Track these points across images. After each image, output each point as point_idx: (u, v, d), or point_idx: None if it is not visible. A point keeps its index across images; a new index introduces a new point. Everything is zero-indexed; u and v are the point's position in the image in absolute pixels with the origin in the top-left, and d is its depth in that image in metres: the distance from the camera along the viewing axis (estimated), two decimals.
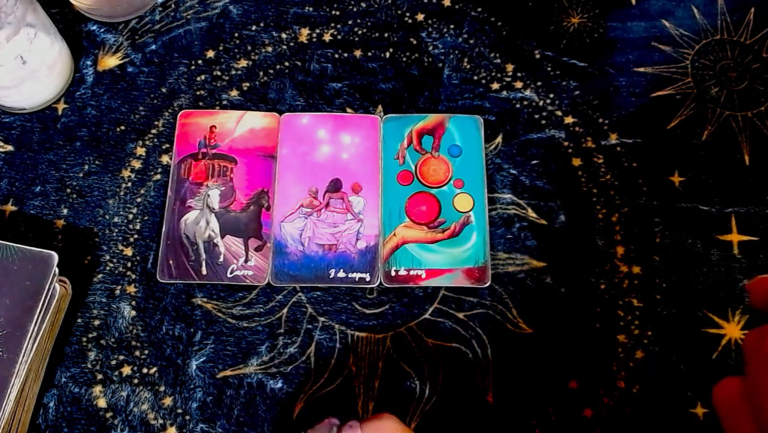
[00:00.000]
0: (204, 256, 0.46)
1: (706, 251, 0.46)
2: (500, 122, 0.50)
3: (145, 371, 0.44)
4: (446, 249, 0.46)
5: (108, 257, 0.46)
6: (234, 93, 0.51)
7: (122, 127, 0.50)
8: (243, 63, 0.51)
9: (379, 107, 0.50)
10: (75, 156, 0.49)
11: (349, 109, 0.50)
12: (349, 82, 0.51)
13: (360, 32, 0.52)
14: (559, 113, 0.50)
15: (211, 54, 0.52)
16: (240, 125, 0.49)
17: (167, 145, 0.49)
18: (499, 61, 0.52)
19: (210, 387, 0.43)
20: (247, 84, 0.51)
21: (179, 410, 0.43)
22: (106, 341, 0.44)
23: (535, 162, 0.49)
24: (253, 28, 0.53)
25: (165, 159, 0.49)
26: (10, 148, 0.49)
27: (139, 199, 0.48)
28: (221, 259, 0.46)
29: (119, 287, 0.46)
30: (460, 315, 0.45)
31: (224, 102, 0.50)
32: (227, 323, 0.45)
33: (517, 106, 0.50)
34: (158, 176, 0.48)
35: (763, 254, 0.46)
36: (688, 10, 0.53)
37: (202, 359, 0.44)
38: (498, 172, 0.48)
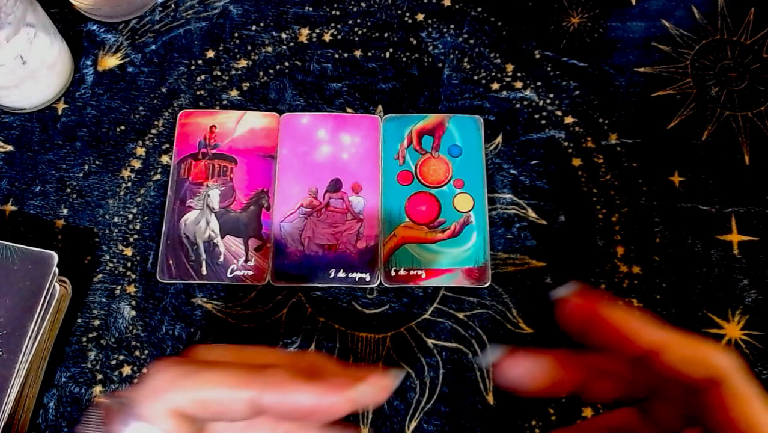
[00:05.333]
0: (204, 256, 0.46)
1: (706, 251, 0.46)
2: (500, 122, 0.50)
3: (145, 371, 0.44)
4: (446, 249, 0.46)
5: (108, 257, 0.46)
6: (234, 93, 0.51)
7: (122, 127, 0.50)
8: (243, 63, 0.51)
9: (379, 107, 0.50)
10: (75, 156, 0.49)
11: (349, 109, 0.50)
12: (349, 82, 0.51)
13: (360, 32, 0.52)
14: (559, 113, 0.50)
15: (211, 54, 0.52)
16: (240, 125, 0.49)
17: (167, 145, 0.49)
18: (499, 61, 0.52)
19: None
20: (247, 84, 0.51)
21: None
22: (106, 341, 0.44)
23: (535, 162, 0.49)
24: (253, 28, 0.53)
25: (165, 159, 0.49)
26: (10, 148, 0.49)
27: (139, 199, 0.48)
28: (221, 259, 0.46)
29: (119, 287, 0.46)
30: (460, 315, 0.45)
31: (224, 102, 0.50)
32: (227, 323, 0.45)
33: (517, 106, 0.50)
34: (158, 176, 0.48)
35: (763, 254, 0.46)
36: (688, 10, 0.53)
37: None
38: (498, 172, 0.48)
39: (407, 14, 0.53)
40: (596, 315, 0.24)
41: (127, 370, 0.44)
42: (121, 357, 0.44)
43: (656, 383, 0.24)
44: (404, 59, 0.52)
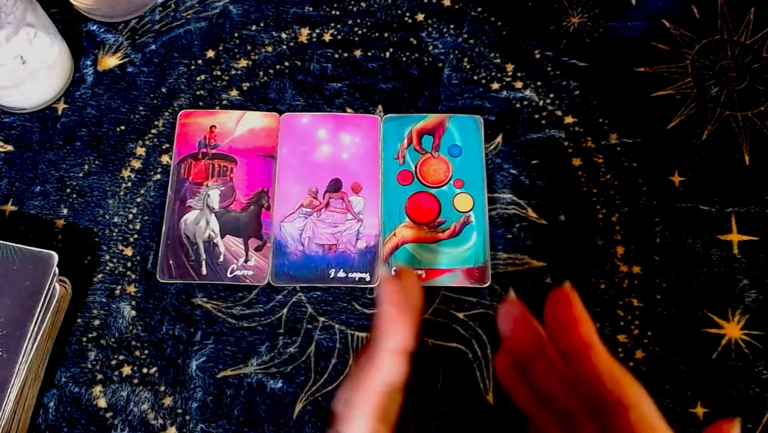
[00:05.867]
0: (204, 256, 0.46)
1: (706, 251, 0.46)
2: (500, 122, 0.50)
3: (145, 371, 0.44)
4: (446, 249, 0.46)
5: (108, 257, 0.46)
6: (234, 93, 0.51)
7: (122, 127, 0.50)
8: (243, 63, 0.51)
9: (379, 107, 0.50)
10: (75, 156, 0.49)
11: (349, 109, 0.50)
12: (349, 82, 0.51)
13: (360, 32, 0.52)
14: (559, 113, 0.50)
15: (211, 54, 0.52)
16: (240, 125, 0.49)
17: (167, 145, 0.49)
18: (499, 61, 0.52)
19: (210, 387, 0.43)
20: (247, 84, 0.51)
21: (179, 410, 0.43)
22: (106, 341, 0.44)
23: (535, 162, 0.49)
24: (253, 28, 0.53)
25: (165, 159, 0.49)
26: (10, 148, 0.49)
27: (139, 199, 0.48)
28: (221, 259, 0.46)
29: (119, 287, 0.46)
30: (460, 315, 0.45)
31: (224, 102, 0.50)
32: (227, 323, 0.45)
33: (517, 106, 0.50)
34: (158, 176, 0.48)
35: (763, 253, 0.46)
36: (688, 10, 0.53)
37: (202, 359, 0.44)
38: (498, 172, 0.48)
39: (407, 14, 0.53)
40: (562, 301, 0.29)
41: (127, 370, 0.44)
42: (121, 357, 0.44)
43: (581, 387, 0.28)
44: (404, 59, 0.52)
